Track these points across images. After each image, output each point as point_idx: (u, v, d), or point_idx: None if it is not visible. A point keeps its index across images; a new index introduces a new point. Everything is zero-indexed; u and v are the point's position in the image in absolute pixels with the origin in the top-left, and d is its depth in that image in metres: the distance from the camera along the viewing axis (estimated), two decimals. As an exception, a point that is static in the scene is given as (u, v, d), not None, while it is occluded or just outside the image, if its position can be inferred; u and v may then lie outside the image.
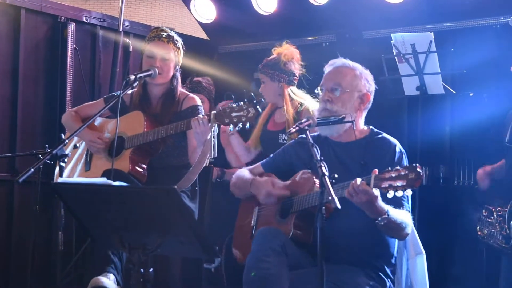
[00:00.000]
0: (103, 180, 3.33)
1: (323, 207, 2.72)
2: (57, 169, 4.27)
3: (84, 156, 4.27)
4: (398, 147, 3.30)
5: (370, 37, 5.68)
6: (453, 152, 5.37)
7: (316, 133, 3.42)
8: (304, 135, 3.11)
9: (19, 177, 3.23)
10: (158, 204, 2.69)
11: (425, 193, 4.77)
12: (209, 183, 4.44)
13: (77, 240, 4.93)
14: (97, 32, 5.78)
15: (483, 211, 4.30)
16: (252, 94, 4.70)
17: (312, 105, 4.43)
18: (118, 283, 3.64)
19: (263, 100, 4.54)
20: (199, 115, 3.80)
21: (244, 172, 3.59)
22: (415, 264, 3.29)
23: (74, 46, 5.53)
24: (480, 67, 4.95)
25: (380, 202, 2.97)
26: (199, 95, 4.47)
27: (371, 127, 3.41)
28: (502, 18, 5.06)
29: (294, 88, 4.58)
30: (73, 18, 5.57)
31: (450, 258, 5.14)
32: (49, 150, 3.65)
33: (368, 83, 3.37)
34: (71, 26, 5.51)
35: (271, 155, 3.63)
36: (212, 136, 3.73)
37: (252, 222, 3.49)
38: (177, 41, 4.12)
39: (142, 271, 2.77)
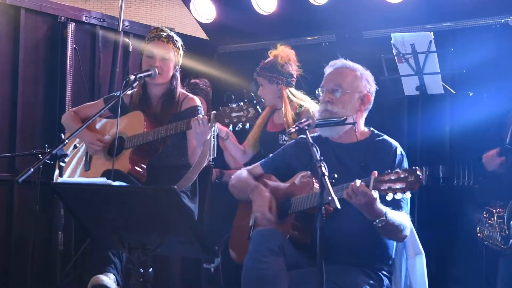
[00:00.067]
0: (102, 180, 3.33)
1: (323, 207, 2.72)
2: (57, 169, 4.27)
3: (84, 156, 4.27)
4: (399, 149, 3.30)
5: (370, 37, 5.68)
6: (453, 152, 5.37)
7: (316, 134, 3.42)
8: (304, 135, 3.11)
9: (19, 177, 3.24)
10: (158, 204, 2.70)
11: (424, 193, 4.77)
12: (209, 183, 4.44)
13: (76, 240, 4.93)
14: (97, 32, 5.78)
15: (484, 212, 4.30)
16: (252, 94, 4.71)
17: (312, 106, 4.43)
18: (118, 284, 3.64)
19: (263, 100, 4.54)
20: (199, 115, 3.80)
21: (244, 174, 3.58)
22: (414, 264, 3.29)
23: (74, 46, 5.53)
24: (480, 67, 4.95)
25: (379, 204, 2.97)
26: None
27: (371, 128, 3.41)
28: (502, 18, 5.06)
29: (292, 90, 4.59)
30: (72, 18, 5.56)
31: (449, 258, 5.14)
32: (48, 150, 3.65)
33: (368, 84, 3.37)
34: (71, 26, 5.51)
35: (271, 155, 3.62)
36: (212, 136, 3.73)
37: (250, 222, 3.48)
38: (176, 41, 4.12)
39: (142, 271, 2.77)
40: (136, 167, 3.99)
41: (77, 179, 4.10)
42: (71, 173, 4.27)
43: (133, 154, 4.00)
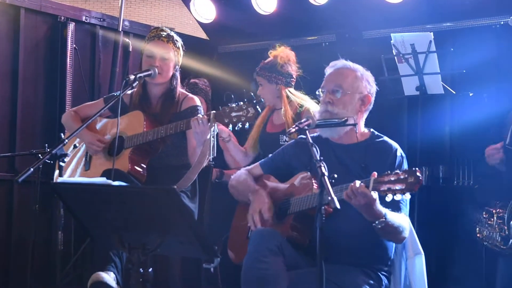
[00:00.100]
0: (102, 180, 3.33)
1: (322, 208, 2.72)
2: (56, 169, 4.27)
3: (84, 156, 4.27)
4: (399, 151, 3.30)
5: (370, 37, 5.68)
6: (452, 152, 5.37)
7: (316, 134, 3.42)
8: (303, 135, 3.11)
9: (18, 177, 3.24)
10: (158, 204, 2.69)
11: (424, 193, 4.77)
12: (209, 183, 4.44)
13: (76, 240, 4.93)
14: (97, 32, 5.78)
15: (484, 213, 4.30)
16: (252, 94, 4.70)
17: (312, 106, 4.44)
18: (118, 283, 3.64)
19: (262, 100, 4.55)
20: (198, 115, 3.80)
21: (244, 175, 3.57)
22: (414, 264, 3.29)
23: (74, 46, 5.53)
24: (480, 67, 4.95)
25: (378, 205, 2.97)
26: (196, 97, 4.47)
27: (371, 129, 3.40)
28: (502, 18, 5.06)
29: (292, 89, 4.59)
30: (72, 18, 5.56)
31: (449, 258, 5.14)
32: (48, 150, 3.65)
33: (369, 84, 3.36)
34: (71, 26, 5.51)
35: (270, 155, 3.62)
36: (212, 136, 3.73)
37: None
38: (176, 41, 4.12)
39: (142, 271, 2.77)
40: (136, 167, 3.99)
41: (77, 179, 4.10)
42: (71, 173, 4.27)
43: (133, 153, 4.00)
